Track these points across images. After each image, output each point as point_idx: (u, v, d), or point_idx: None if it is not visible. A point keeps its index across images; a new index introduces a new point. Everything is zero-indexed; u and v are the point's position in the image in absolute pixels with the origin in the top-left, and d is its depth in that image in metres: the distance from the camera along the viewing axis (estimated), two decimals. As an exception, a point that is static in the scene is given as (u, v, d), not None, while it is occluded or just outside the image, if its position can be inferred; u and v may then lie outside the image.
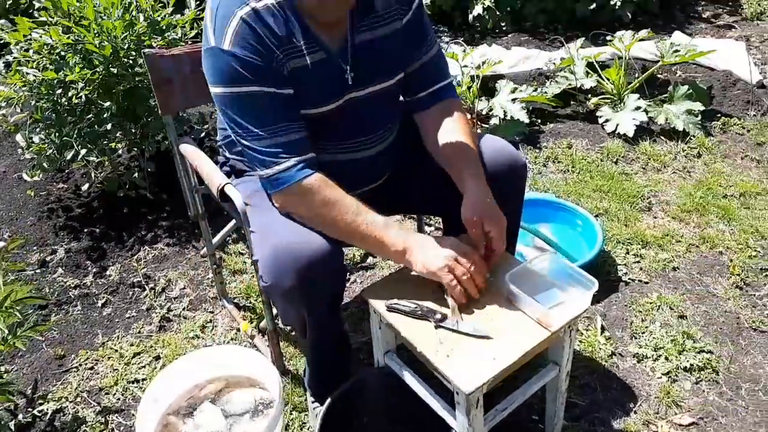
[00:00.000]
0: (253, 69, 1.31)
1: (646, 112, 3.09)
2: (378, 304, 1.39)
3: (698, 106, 3.08)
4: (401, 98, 1.60)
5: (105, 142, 2.50)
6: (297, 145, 1.37)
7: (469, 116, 3.08)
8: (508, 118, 3.11)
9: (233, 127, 1.38)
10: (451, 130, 1.51)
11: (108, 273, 2.41)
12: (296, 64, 1.35)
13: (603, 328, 2.04)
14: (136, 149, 2.67)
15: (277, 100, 1.34)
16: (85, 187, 2.75)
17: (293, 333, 2.03)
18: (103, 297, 2.30)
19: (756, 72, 3.50)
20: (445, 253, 1.32)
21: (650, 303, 2.13)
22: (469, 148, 1.48)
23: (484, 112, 3.20)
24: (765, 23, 4.28)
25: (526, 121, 3.09)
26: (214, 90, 1.37)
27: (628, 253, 2.36)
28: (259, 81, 1.32)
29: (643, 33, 3.31)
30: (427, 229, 2.33)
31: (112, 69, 2.33)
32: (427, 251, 1.34)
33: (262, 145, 1.35)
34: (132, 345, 2.08)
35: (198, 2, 2.46)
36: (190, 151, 1.75)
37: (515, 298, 1.34)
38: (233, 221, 2.10)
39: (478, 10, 4.27)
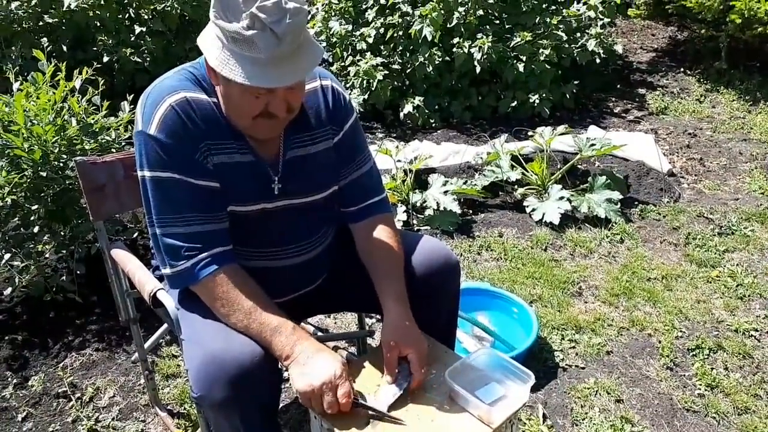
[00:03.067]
0: (174, 156, 1.33)
1: (570, 201, 3.26)
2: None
3: (617, 195, 3.29)
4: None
5: (31, 245, 2.41)
6: (208, 236, 1.37)
7: (399, 224, 3.15)
8: (442, 209, 3.22)
9: (150, 212, 1.39)
10: (378, 247, 1.53)
11: (30, 383, 2.26)
12: (223, 159, 1.38)
13: (545, 417, 2.06)
14: (64, 251, 2.59)
15: (197, 191, 1.35)
16: (7, 291, 2.61)
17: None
18: (24, 410, 2.15)
19: (665, 162, 3.79)
20: (314, 379, 1.27)
21: (588, 388, 2.17)
22: (394, 266, 1.50)
23: (418, 204, 3.30)
24: (669, 117, 4.68)
25: (459, 211, 3.20)
26: (138, 173, 1.38)
27: (563, 338, 2.42)
28: (179, 169, 1.33)
29: (561, 129, 3.55)
30: (368, 321, 2.33)
31: (41, 172, 2.29)
32: (303, 369, 1.29)
33: (173, 233, 1.35)
34: (54, 464, 1.94)
35: (132, 106, 2.49)
36: (121, 255, 1.72)
37: (456, 395, 1.35)
38: (166, 324, 2.04)
39: (408, 108, 4.49)
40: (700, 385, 2.19)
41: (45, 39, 4.06)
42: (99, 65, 2.74)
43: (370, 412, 1.32)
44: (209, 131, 1.35)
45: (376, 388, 1.38)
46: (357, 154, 1.57)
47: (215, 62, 1.24)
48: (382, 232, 1.55)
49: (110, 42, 4.31)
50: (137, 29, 4.41)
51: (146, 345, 2.02)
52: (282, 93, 1.29)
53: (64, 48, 4.15)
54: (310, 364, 1.30)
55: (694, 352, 2.35)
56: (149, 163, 1.34)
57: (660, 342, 2.40)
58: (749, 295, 2.67)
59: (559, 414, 2.07)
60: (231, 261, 1.40)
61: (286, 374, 2.23)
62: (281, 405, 2.10)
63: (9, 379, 2.28)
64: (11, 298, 2.67)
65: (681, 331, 2.46)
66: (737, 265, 2.87)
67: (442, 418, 1.33)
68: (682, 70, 5.44)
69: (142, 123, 1.34)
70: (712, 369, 2.26)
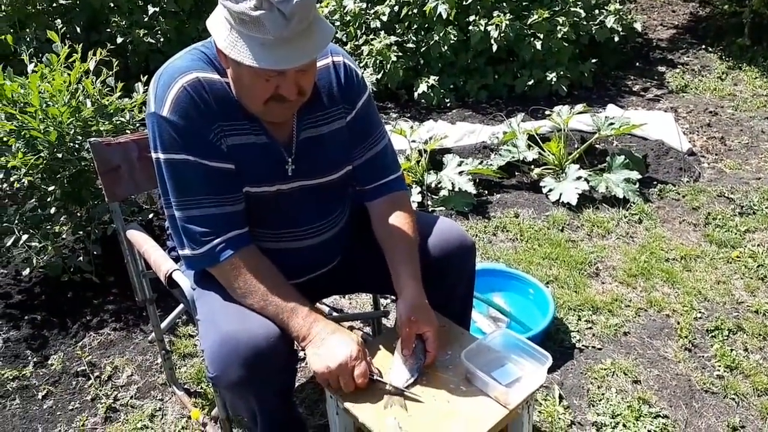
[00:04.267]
0: (188, 138, 1.31)
1: (587, 181, 3.22)
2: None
3: (636, 175, 3.24)
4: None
5: (48, 226, 2.43)
6: (225, 219, 1.36)
7: (414, 204, 3.14)
8: (457, 189, 3.19)
9: (166, 194, 1.38)
10: (394, 226, 1.52)
11: (50, 362, 2.29)
12: (236, 141, 1.36)
13: (561, 397, 2.05)
14: (81, 232, 2.61)
15: (212, 173, 1.34)
16: (25, 272, 2.64)
17: (246, 421, 1.96)
18: (44, 388, 2.18)
19: (685, 141, 3.72)
20: (330, 361, 1.28)
21: (605, 369, 2.16)
22: (409, 247, 1.49)
23: (433, 185, 3.27)
24: (689, 95, 4.59)
25: (474, 192, 3.18)
26: (153, 155, 1.37)
27: (579, 319, 2.40)
28: (193, 150, 1.32)
29: (579, 107, 3.49)
30: (383, 301, 2.33)
31: (57, 154, 2.30)
32: (318, 350, 1.31)
33: (190, 216, 1.35)
34: (74, 441, 1.97)
35: (146, 87, 2.48)
36: (137, 236, 1.72)
37: (472, 376, 1.34)
38: (182, 304, 2.05)
39: (423, 87, 4.45)
40: (719, 366, 2.16)
41: (59, 21, 4.08)
42: (113, 46, 2.74)
43: (388, 387, 1.33)
44: (222, 112, 1.34)
45: (391, 366, 1.38)
46: (371, 132, 1.55)
47: (223, 44, 1.22)
48: (397, 212, 1.54)
49: (124, 23, 4.31)
50: (150, 10, 4.39)
51: (163, 325, 2.03)
52: (292, 75, 1.27)
53: (78, 29, 4.16)
54: (326, 345, 1.30)
55: (713, 333, 2.32)
56: (163, 146, 1.33)
57: (678, 323, 2.37)
58: (770, 276, 2.62)
59: (575, 395, 2.06)
60: (248, 243, 1.40)
61: (302, 354, 2.25)
62: (297, 384, 2.11)
63: (29, 358, 2.31)
64: (30, 278, 2.70)
65: (700, 312, 2.43)
66: (758, 245, 2.82)
67: (458, 399, 1.32)
68: (703, 47, 5.32)
69: (154, 104, 1.33)
70: (732, 350, 2.23)
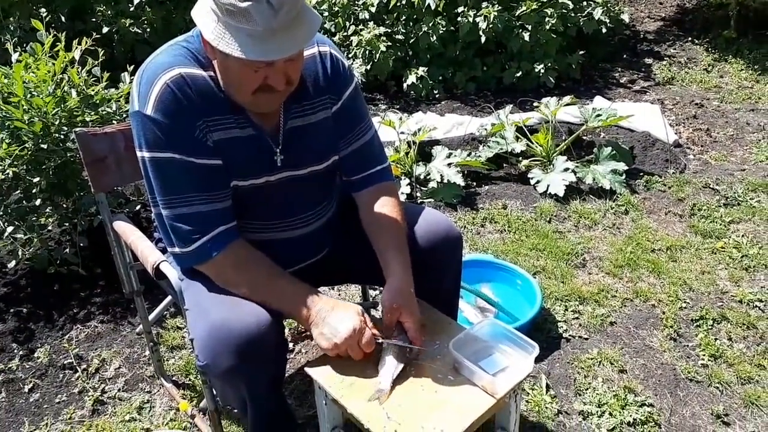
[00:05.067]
0: (173, 136, 1.31)
1: (575, 172, 3.24)
2: (323, 379, 1.36)
3: (622, 166, 3.26)
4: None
5: (34, 217, 2.41)
6: (213, 216, 1.37)
7: (403, 196, 3.14)
8: (445, 181, 3.20)
9: (152, 193, 1.38)
10: (381, 214, 1.52)
11: (36, 355, 2.27)
12: (222, 135, 1.36)
13: (548, 387, 2.07)
14: (67, 224, 2.59)
15: (199, 170, 1.34)
16: (11, 264, 2.61)
17: (236, 411, 1.96)
18: (31, 381, 2.16)
19: (671, 132, 3.75)
20: (336, 338, 1.32)
21: (591, 359, 2.18)
22: (397, 235, 1.50)
23: (422, 177, 3.28)
24: (675, 87, 4.62)
25: (462, 183, 3.18)
26: (138, 153, 1.36)
27: (566, 309, 2.42)
28: (178, 148, 1.31)
29: (567, 99, 3.50)
30: (372, 293, 2.33)
31: (42, 144, 2.27)
32: (322, 329, 1.34)
33: (177, 214, 1.35)
34: (62, 433, 1.96)
35: (132, 77, 2.45)
36: (124, 228, 1.71)
37: (460, 365, 1.35)
38: (170, 296, 2.04)
39: (411, 79, 4.44)
40: (704, 355, 2.19)
41: (43, 9, 4.01)
42: (98, 36, 2.70)
43: (394, 342, 1.37)
44: (206, 107, 1.33)
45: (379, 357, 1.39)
46: (357, 123, 1.55)
47: (211, 36, 1.20)
48: (385, 202, 1.54)
49: (109, 12, 4.26)
50: (136, -1, 4.35)
51: (150, 317, 2.02)
52: (281, 65, 1.26)
53: (63, 18, 4.11)
54: (328, 323, 1.33)
55: (698, 323, 2.35)
56: (147, 144, 1.32)
57: (664, 313, 2.40)
58: (754, 266, 2.65)
59: (562, 384, 2.08)
60: (236, 237, 1.40)
61: (291, 345, 2.25)
62: (286, 375, 2.11)
63: (15, 351, 2.29)
64: (15, 270, 2.68)
65: (685, 302, 2.45)
66: (743, 236, 2.86)
67: (446, 389, 1.33)
68: (689, 39, 5.36)
69: (138, 102, 1.32)
70: (716, 339, 2.26)
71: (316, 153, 1.49)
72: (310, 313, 1.35)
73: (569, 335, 2.30)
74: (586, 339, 2.29)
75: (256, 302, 1.34)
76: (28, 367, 2.23)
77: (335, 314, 1.34)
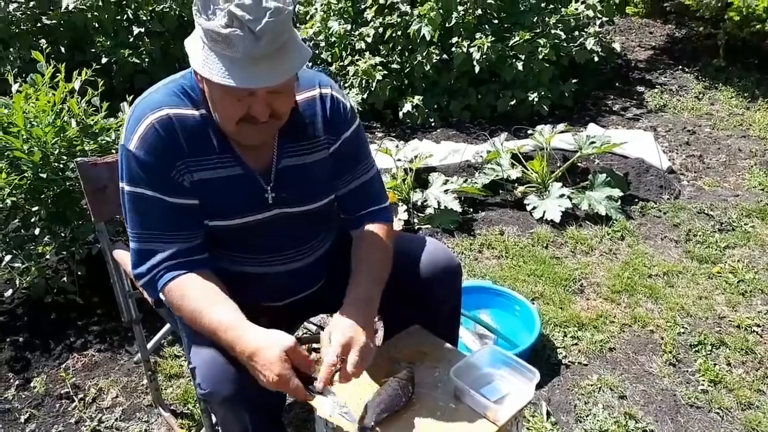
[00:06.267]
0: (149, 173, 1.33)
1: (570, 198, 3.26)
2: (323, 409, 1.35)
3: (617, 192, 3.29)
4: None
5: (32, 246, 2.41)
6: (172, 255, 1.37)
7: (400, 223, 3.16)
8: (442, 207, 3.21)
9: (127, 224, 1.40)
10: (362, 253, 1.50)
11: (32, 385, 2.26)
12: (204, 176, 1.36)
13: (549, 414, 2.06)
14: (65, 252, 2.58)
15: (171, 208, 1.35)
16: (8, 293, 2.61)
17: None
18: (27, 411, 2.14)
19: (665, 159, 3.79)
20: (266, 383, 1.23)
21: (591, 385, 2.17)
22: (367, 272, 1.45)
23: (419, 203, 3.29)
24: (667, 114, 4.68)
25: (459, 210, 3.20)
26: (119, 184, 1.39)
27: (565, 335, 2.42)
28: (152, 185, 1.34)
29: (561, 126, 3.55)
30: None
31: (41, 174, 2.29)
32: (251, 370, 1.25)
33: (141, 248, 1.37)
34: (57, 465, 1.93)
35: (131, 106, 2.48)
36: (123, 256, 1.72)
37: (461, 393, 1.35)
38: (169, 324, 2.04)
39: (407, 107, 4.49)
40: (703, 380, 2.19)
41: (43, 40, 4.07)
42: (98, 66, 2.74)
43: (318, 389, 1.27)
44: (191, 148, 1.34)
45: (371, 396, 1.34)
46: (357, 163, 1.54)
47: (196, 63, 1.22)
48: (371, 239, 1.53)
49: (108, 43, 4.30)
50: (135, 30, 4.40)
51: (149, 345, 2.02)
52: (263, 95, 1.26)
53: (63, 49, 4.15)
54: (252, 366, 1.25)
55: (696, 348, 2.35)
56: (128, 177, 1.35)
57: (662, 338, 2.40)
58: (751, 291, 2.67)
59: (562, 411, 2.07)
60: (190, 269, 1.37)
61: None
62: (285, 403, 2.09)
63: (11, 381, 2.27)
64: (12, 299, 2.66)
65: (683, 328, 2.46)
66: (738, 261, 2.87)
67: (447, 417, 1.32)
68: (680, 67, 5.44)
69: (125, 137, 1.35)
70: (715, 365, 2.26)
71: (310, 192, 1.48)
72: (236, 353, 1.27)
73: (569, 361, 2.29)
74: (586, 365, 2.28)
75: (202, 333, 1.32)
76: (24, 396, 2.21)
77: (257, 360, 1.24)
